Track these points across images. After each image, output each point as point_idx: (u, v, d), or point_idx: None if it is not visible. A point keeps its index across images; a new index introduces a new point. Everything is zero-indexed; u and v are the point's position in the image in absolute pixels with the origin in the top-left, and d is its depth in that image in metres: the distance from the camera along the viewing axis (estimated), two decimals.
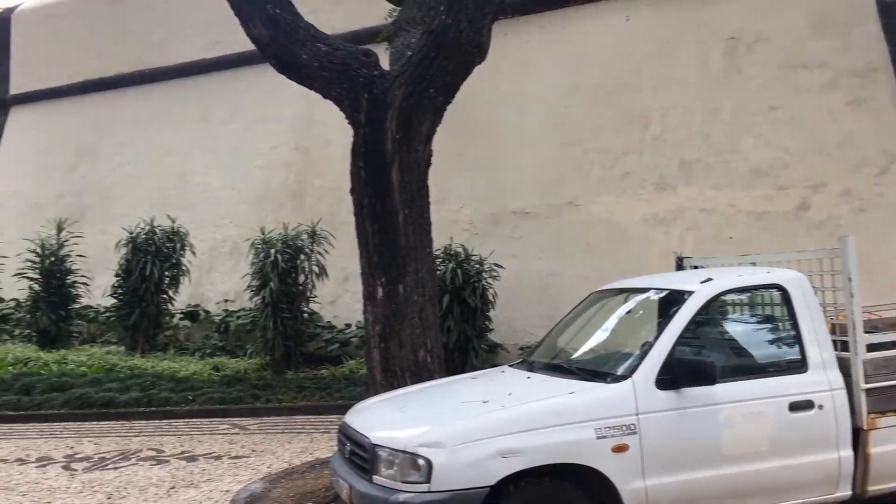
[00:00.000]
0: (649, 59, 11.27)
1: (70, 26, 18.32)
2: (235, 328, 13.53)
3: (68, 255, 14.14)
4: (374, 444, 4.42)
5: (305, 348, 12.16)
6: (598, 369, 4.87)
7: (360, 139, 6.57)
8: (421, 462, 4.18)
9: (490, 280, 10.72)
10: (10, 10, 20.01)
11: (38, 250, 14.02)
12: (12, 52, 19.53)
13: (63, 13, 18.63)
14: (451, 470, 4.16)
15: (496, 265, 10.79)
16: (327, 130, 13.58)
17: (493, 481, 4.16)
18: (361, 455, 4.55)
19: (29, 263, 14.02)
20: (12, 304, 15.82)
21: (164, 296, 13.43)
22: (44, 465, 7.68)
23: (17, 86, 19.36)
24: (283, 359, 11.65)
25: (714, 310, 5.10)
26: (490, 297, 10.71)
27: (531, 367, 5.38)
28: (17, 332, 15.14)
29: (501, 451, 4.20)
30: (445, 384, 5.67)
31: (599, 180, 11.32)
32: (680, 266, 6.57)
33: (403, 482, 4.22)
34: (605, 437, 4.35)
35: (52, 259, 13.99)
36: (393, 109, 6.45)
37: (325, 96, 6.78)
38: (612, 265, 10.33)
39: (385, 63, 6.97)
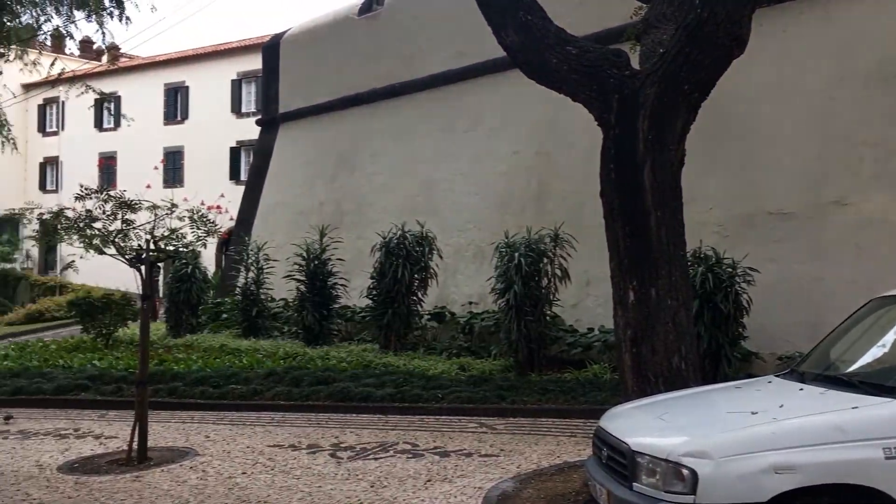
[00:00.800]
0: None
1: (330, 47, 19.87)
2: (479, 329, 13.90)
3: (329, 259, 15.33)
4: (634, 451, 4.32)
5: (548, 351, 12.21)
6: (884, 383, 4.41)
7: (611, 141, 6.49)
8: (685, 472, 4.02)
9: (744, 285, 10.13)
10: (279, 37, 22.09)
11: (304, 254, 15.32)
12: (281, 74, 21.56)
13: (324, 35, 20.25)
14: (719, 483, 3.97)
15: (750, 269, 10.17)
16: (569, 133, 13.59)
17: (765, 498, 3.91)
18: (619, 461, 4.47)
19: (296, 266, 15.36)
20: (281, 303, 17.40)
21: (414, 297, 14.12)
22: (313, 452, 8.33)
23: (284, 105, 21.33)
24: (527, 361, 11.78)
25: None
26: (744, 303, 10.12)
27: (802, 377, 5.00)
28: (285, 328, 16.63)
29: (775, 466, 3.93)
30: (705, 392, 5.43)
31: (872, 177, 10.29)
32: None
33: (666, 492, 4.09)
34: (895, 457, 3.93)
35: (316, 262, 15.21)
36: (645, 109, 6.31)
37: (573, 99, 6.76)
38: (887, 270, 9.34)
39: (634, 62, 6.84)
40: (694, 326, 6.90)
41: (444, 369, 12.08)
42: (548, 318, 12.11)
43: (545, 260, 11.95)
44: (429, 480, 7.04)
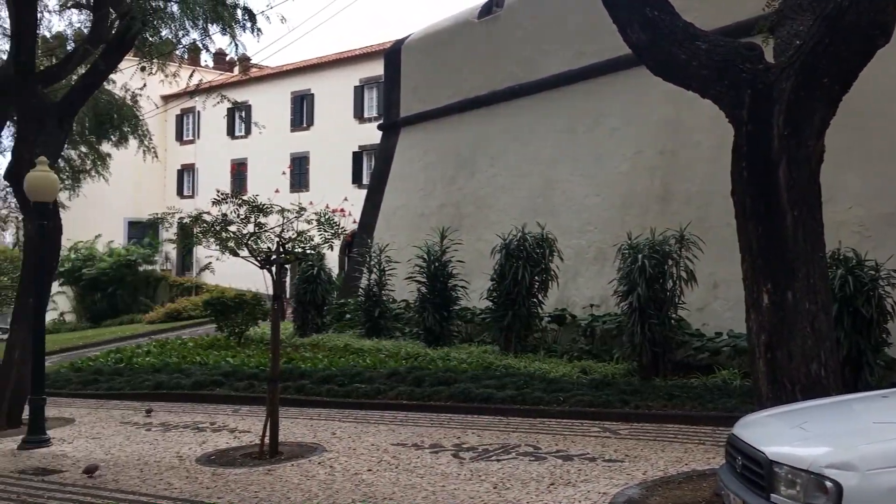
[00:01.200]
0: None
1: (450, 51, 20.07)
2: (601, 332, 13.69)
3: (449, 261, 15.47)
4: (772, 461, 4.13)
5: (673, 355, 11.88)
6: None
7: (743, 137, 6.25)
8: (828, 485, 3.81)
9: (888, 288, 9.53)
10: (400, 42, 22.49)
11: (425, 256, 15.52)
12: (402, 79, 21.94)
13: (444, 40, 20.48)
14: (866, 497, 3.73)
15: (895, 272, 9.56)
16: (695, 132, 13.20)
17: None
18: (755, 471, 4.28)
19: (417, 268, 15.58)
20: (402, 304, 17.70)
21: (534, 299, 14.06)
22: (436, 452, 8.42)
23: (405, 109, 21.69)
24: (651, 365, 11.51)
25: None
26: (888, 308, 9.52)
27: None
28: (406, 329, 16.89)
29: None
30: (848, 401, 5.13)
31: None
32: None
33: None
34: None
35: (436, 264, 15.39)
36: (780, 104, 6.04)
37: (703, 95, 6.56)
38: None
39: (768, 56, 6.57)
40: (834, 332, 6.54)
41: (565, 372, 11.97)
42: (673, 321, 11.78)
43: (670, 262, 11.64)
44: (552, 484, 6.98)
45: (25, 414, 10.61)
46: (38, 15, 12.63)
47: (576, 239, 15.33)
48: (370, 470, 7.73)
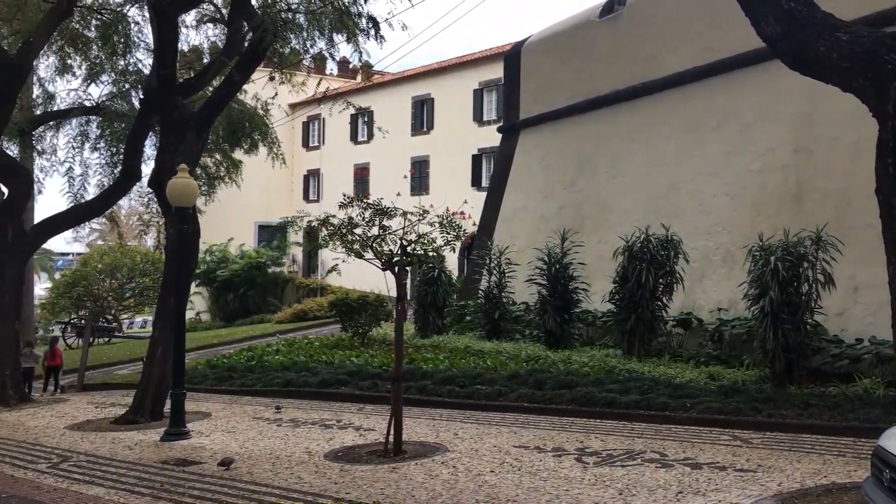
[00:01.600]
0: None
1: (570, 52, 19.87)
2: (730, 337, 13.21)
3: (570, 263, 15.32)
4: None
5: (808, 362, 11.33)
6: None
7: (889, 132, 5.91)
8: None
9: None
10: (520, 45, 22.46)
11: (545, 259, 15.43)
12: (521, 81, 21.89)
13: (564, 40, 20.30)
14: None
15: None
16: (832, 128, 12.55)
17: None
18: None
19: (537, 270, 15.51)
20: (522, 307, 17.66)
21: (658, 302, 13.74)
22: (559, 456, 8.34)
23: (525, 111, 21.64)
24: (784, 372, 11.02)
25: None
26: None
27: None
28: (526, 331, 16.85)
29: None
30: None
31: None
32: None
33: None
34: None
35: (557, 267, 15.28)
36: None
37: (844, 89, 6.24)
38: None
39: None
40: None
41: (691, 377, 11.64)
42: (808, 326, 11.25)
43: (805, 264, 11.13)
44: (680, 492, 6.79)
45: (166, 408, 11.23)
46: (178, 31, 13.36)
47: (702, 241, 14.86)
48: (493, 471, 7.74)
